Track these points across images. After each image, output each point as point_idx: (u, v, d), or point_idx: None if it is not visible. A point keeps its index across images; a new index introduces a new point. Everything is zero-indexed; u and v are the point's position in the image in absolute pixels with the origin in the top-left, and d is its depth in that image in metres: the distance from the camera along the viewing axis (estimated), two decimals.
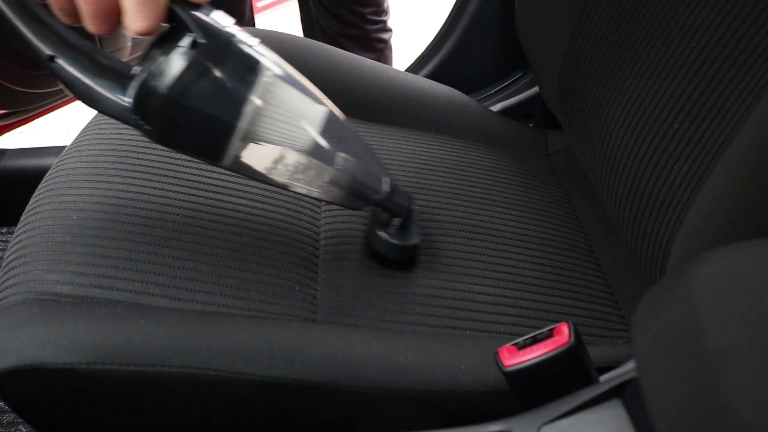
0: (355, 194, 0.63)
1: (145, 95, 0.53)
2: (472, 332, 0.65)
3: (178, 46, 0.52)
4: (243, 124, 0.54)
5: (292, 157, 0.57)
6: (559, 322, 0.50)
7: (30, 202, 0.71)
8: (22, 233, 0.66)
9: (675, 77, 0.66)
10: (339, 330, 0.59)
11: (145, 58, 0.54)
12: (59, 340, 0.51)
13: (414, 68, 1.14)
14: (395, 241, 0.66)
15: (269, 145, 0.56)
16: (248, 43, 0.55)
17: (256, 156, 0.56)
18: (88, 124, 0.81)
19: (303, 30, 1.61)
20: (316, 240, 0.69)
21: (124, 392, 0.51)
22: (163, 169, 0.71)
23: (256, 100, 0.53)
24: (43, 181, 0.73)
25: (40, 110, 1.45)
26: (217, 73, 0.52)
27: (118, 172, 0.71)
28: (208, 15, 0.53)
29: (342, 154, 0.60)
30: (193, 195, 0.69)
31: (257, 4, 2.07)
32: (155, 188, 0.69)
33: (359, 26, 1.44)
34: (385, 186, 0.65)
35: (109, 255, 0.61)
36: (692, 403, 0.31)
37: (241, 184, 0.72)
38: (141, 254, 0.62)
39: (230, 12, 1.67)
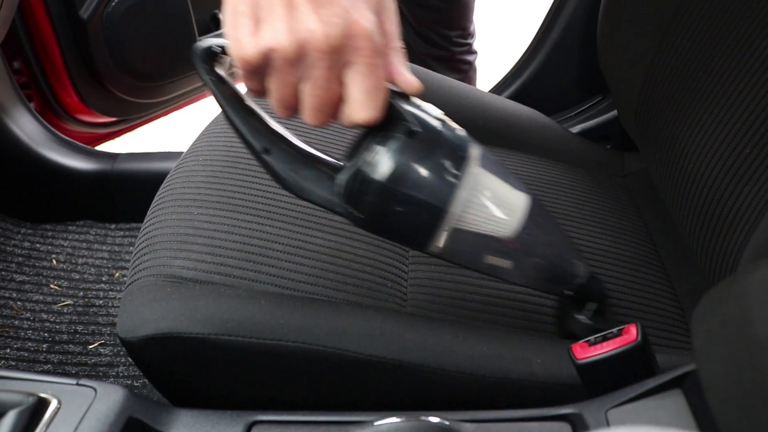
0: (554, 281, 0.65)
1: (360, 183, 0.53)
2: (543, 333, 0.70)
3: (395, 136, 0.52)
4: (454, 210, 0.54)
5: (495, 245, 0.58)
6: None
7: (155, 199, 0.80)
8: (149, 225, 0.75)
9: (748, 105, 0.71)
10: (430, 320, 0.66)
11: (356, 149, 0.54)
12: (192, 314, 0.59)
13: (497, 89, 1.21)
14: (596, 325, 0.67)
15: (474, 231, 0.56)
16: (457, 131, 0.56)
17: (460, 242, 0.57)
18: (202, 132, 0.91)
19: None
20: None
21: (245, 362, 0.59)
22: None
23: (466, 187, 0.54)
24: (165, 180, 0.83)
25: (143, 119, 1.58)
26: (431, 161, 0.53)
27: (231, 174, 0.80)
28: (419, 105, 0.54)
29: (542, 242, 0.61)
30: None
31: None
32: (263, 189, 0.77)
33: (445, 48, 1.52)
34: (582, 272, 0.66)
35: (225, 246, 0.70)
36: (741, 383, 0.37)
37: None
38: (252, 247, 0.70)
39: None
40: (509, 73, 1.21)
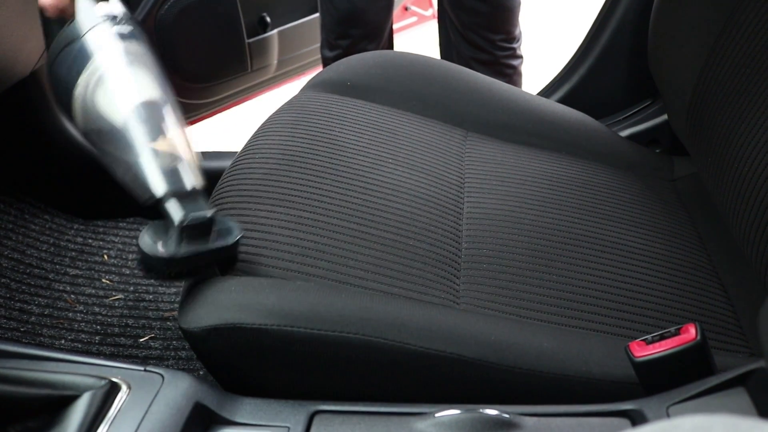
0: (133, 183, 0.69)
1: None
2: (596, 333, 0.71)
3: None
4: (79, 83, 0.70)
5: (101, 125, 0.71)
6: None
7: (212, 196, 0.82)
8: None
9: None
10: (486, 317, 0.67)
11: None
12: (255, 306, 0.61)
13: (545, 93, 1.21)
14: (156, 251, 0.63)
15: (93, 108, 0.70)
16: (97, 35, 0.72)
17: (88, 118, 0.72)
18: (257, 131, 0.93)
19: (440, 51, 1.71)
20: (458, 242, 0.77)
21: (305, 353, 0.61)
22: (326, 171, 0.82)
23: (88, 68, 0.70)
24: (221, 178, 0.85)
25: (191, 120, 1.61)
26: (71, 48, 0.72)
27: (286, 172, 0.81)
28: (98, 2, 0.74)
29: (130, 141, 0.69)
30: (351, 194, 0.79)
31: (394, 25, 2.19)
32: (319, 187, 0.79)
33: (489, 52, 1.52)
34: (158, 191, 0.65)
35: (282, 241, 0.72)
36: None
37: (392, 188, 0.81)
38: (309, 242, 0.72)
39: (370, 32, 1.77)
40: (558, 76, 1.22)
